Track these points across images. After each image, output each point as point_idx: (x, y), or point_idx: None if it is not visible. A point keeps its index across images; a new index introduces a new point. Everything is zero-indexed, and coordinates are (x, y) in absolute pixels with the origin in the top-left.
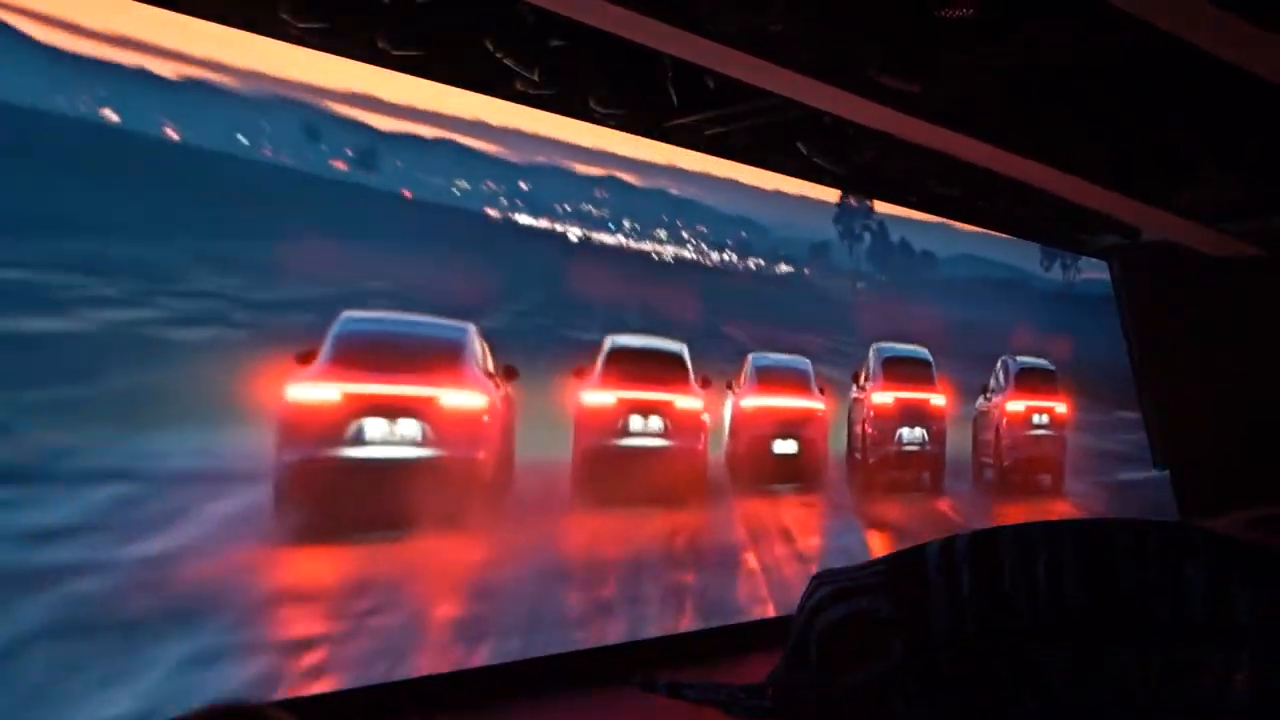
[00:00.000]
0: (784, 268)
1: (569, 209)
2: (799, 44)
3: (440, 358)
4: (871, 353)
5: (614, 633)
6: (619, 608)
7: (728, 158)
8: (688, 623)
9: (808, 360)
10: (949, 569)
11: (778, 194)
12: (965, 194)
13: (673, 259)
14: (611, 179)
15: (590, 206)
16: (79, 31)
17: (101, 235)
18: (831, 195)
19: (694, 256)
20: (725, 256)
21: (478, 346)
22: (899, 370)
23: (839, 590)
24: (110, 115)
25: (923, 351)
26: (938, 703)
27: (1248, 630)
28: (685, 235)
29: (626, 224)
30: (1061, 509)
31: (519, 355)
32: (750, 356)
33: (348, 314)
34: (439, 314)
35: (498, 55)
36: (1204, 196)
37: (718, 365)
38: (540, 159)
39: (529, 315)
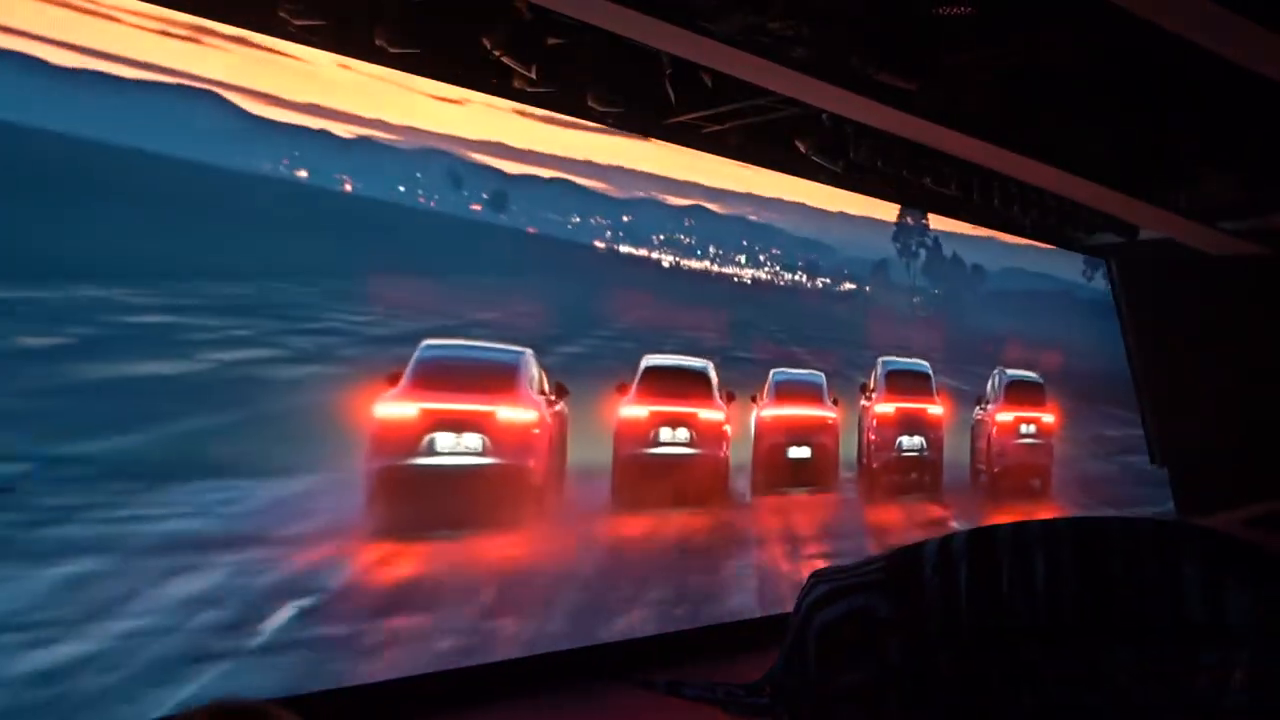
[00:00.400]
0: (848, 285)
1: (663, 238)
2: (797, 42)
3: (498, 379)
4: (877, 365)
5: (640, 618)
6: (643, 597)
7: (725, 155)
8: (700, 612)
9: (822, 374)
10: (946, 567)
11: (842, 215)
12: (962, 192)
13: (750, 280)
14: (698, 208)
15: (681, 235)
16: (281, 102)
17: (265, 279)
18: (890, 214)
19: (768, 278)
20: (796, 277)
21: (532, 369)
22: (900, 382)
23: (836, 588)
24: (300, 173)
25: (923, 365)
26: (934, 703)
27: (1247, 629)
28: (762, 258)
29: (711, 250)
30: (1048, 511)
31: (596, 377)
32: (772, 372)
33: (426, 342)
34: (534, 341)
35: (495, 53)
36: (1202, 195)
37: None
38: (639, 193)
39: (613, 340)
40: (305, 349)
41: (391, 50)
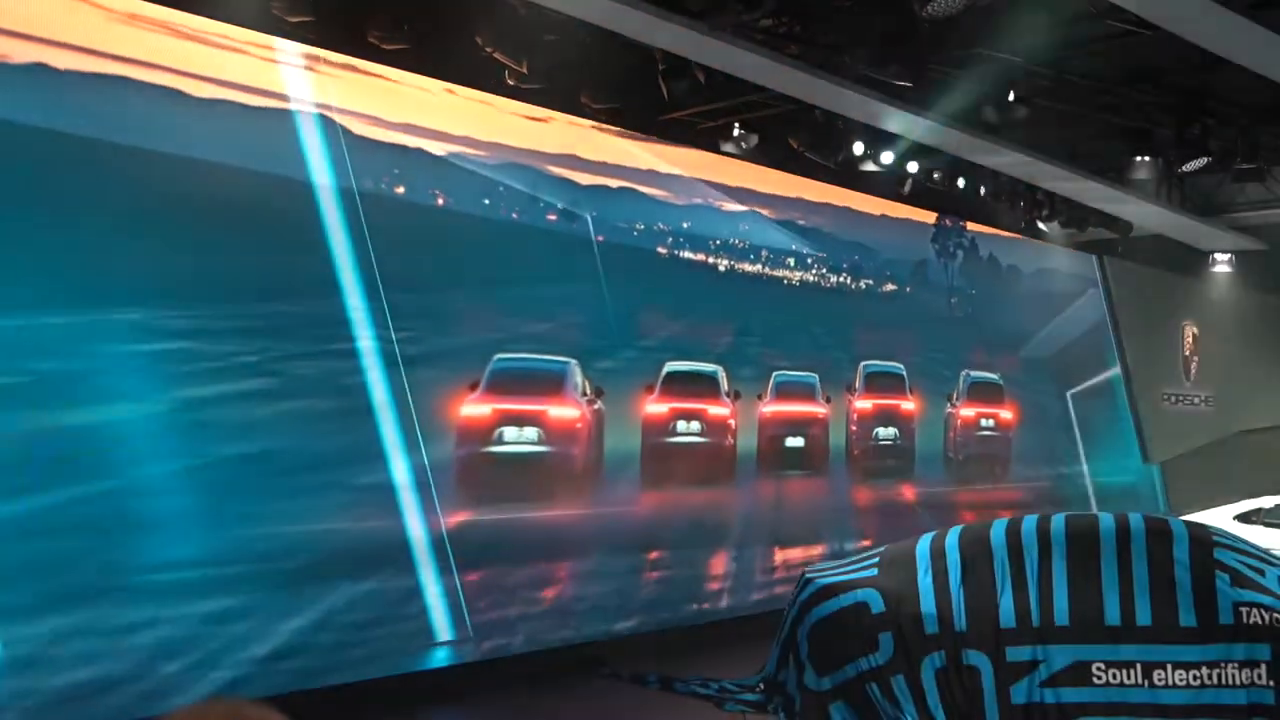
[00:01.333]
0: (889, 286)
1: (719, 243)
2: (790, 39)
3: (550, 384)
4: (859, 367)
5: (649, 590)
6: (661, 559)
7: (719, 153)
8: (699, 588)
9: (815, 376)
10: (939, 566)
11: (884, 218)
12: (951, 187)
13: (799, 282)
14: (752, 213)
15: (735, 239)
16: (382, 123)
17: (324, 296)
18: (928, 216)
19: (815, 279)
20: (841, 279)
21: (576, 376)
22: (877, 382)
23: (830, 585)
24: (399, 189)
25: (898, 366)
26: (926, 699)
27: (1236, 630)
28: (810, 261)
29: (764, 253)
30: (1005, 493)
31: (634, 383)
32: (773, 374)
33: (498, 356)
34: (576, 352)
35: (487, 50)
36: (1196, 190)
37: (832, 381)
38: (697, 200)
39: (654, 351)
40: (305, 377)
41: (384, 47)
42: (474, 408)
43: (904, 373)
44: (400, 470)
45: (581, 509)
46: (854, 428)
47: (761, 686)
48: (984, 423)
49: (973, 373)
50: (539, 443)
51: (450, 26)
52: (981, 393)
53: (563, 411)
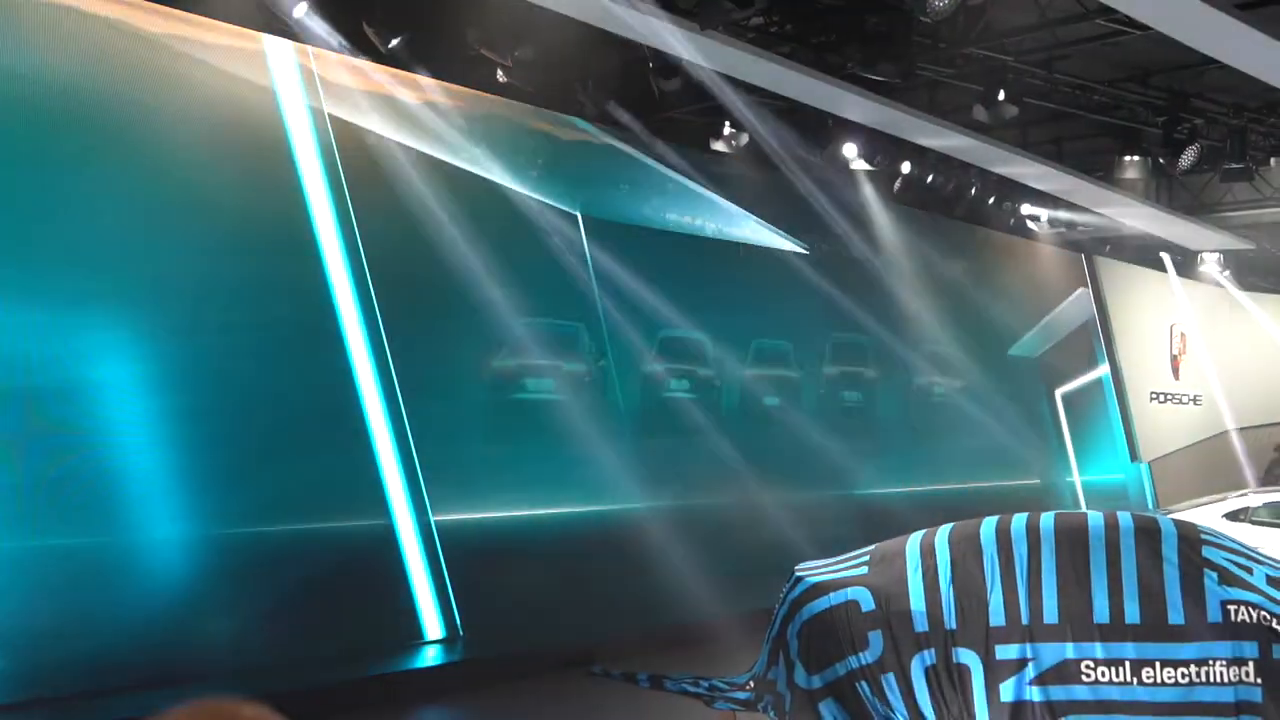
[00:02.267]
0: (885, 258)
1: (709, 207)
2: (781, 38)
3: (562, 343)
4: (829, 338)
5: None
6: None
7: (710, 151)
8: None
9: (790, 344)
10: (929, 564)
11: (880, 200)
12: (940, 185)
13: (787, 253)
14: (741, 176)
15: (724, 204)
16: (355, 70)
17: (260, 257)
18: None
19: (804, 250)
20: (831, 248)
21: (584, 336)
22: (843, 351)
23: (820, 583)
24: (375, 143)
25: (863, 337)
26: (915, 697)
27: (1224, 628)
28: (798, 235)
29: (751, 225)
30: (953, 447)
31: (632, 347)
32: (752, 342)
33: (522, 320)
34: (559, 317)
35: (476, 47)
36: (1184, 190)
37: (817, 347)
38: (686, 161)
39: (642, 318)
40: (282, 354)
41: (376, 43)
42: (503, 361)
43: (868, 343)
44: (390, 464)
45: (585, 448)
46: (822, 391)
47: (751, 685)
48: (936, 390)
49: (928, 345)
50: (554, 392)
51: (442, 25)
52: (935, 363)
53: (572, 366)
